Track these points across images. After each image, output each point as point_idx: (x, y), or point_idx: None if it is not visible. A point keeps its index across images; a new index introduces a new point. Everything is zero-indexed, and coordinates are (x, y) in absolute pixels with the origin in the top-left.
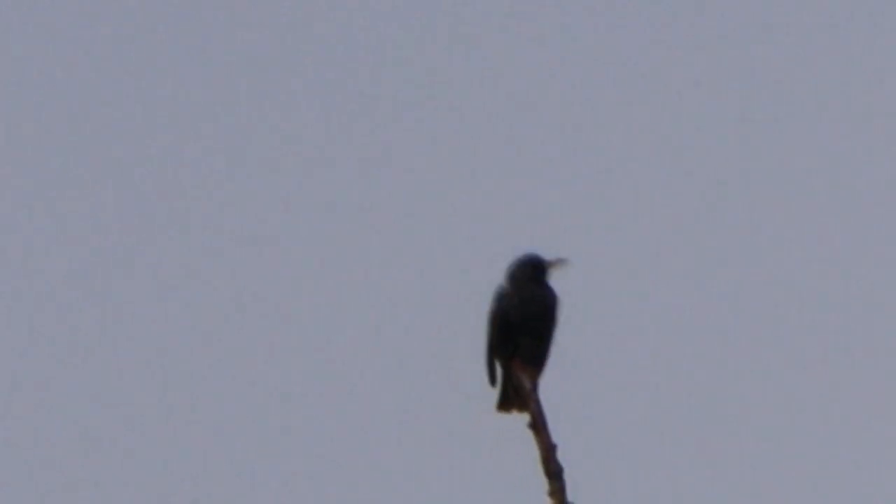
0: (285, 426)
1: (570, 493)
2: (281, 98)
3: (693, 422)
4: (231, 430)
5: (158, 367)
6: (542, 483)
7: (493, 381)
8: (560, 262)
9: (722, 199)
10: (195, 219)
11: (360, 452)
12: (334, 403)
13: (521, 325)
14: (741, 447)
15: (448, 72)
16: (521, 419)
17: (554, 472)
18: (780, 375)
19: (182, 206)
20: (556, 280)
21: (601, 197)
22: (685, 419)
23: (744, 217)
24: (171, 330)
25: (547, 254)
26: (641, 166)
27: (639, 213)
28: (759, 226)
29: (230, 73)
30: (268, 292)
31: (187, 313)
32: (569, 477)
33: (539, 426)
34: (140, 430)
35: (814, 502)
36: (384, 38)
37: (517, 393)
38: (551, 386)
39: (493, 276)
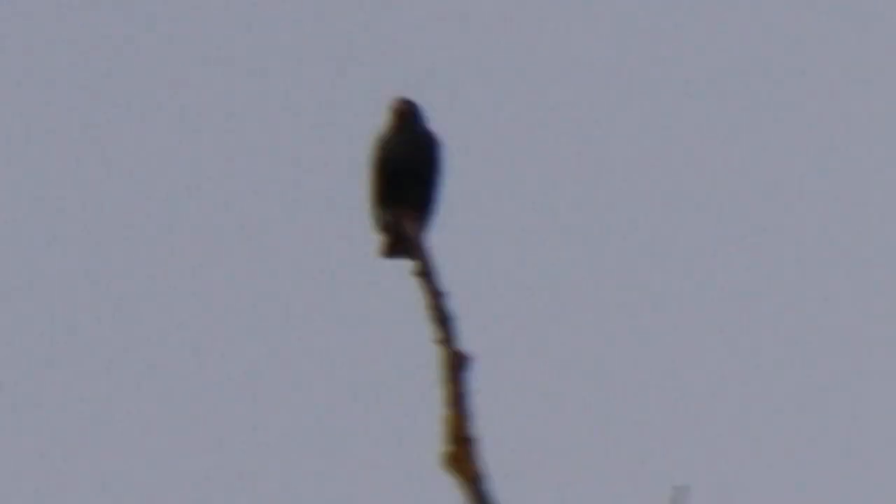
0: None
1: (463, 342)
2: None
3: (596, 275)
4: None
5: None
6: (432, 330)
7: (379, 228)
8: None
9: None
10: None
11: (253, 302)
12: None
13: (404, 169)
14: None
15: None
16: (408, 266)
17: (442, 318)
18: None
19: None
20: (438, 125)
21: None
22: (574, 266)
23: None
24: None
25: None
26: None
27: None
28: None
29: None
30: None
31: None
32: (460, 325)
33: (426, 272)
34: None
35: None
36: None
37: (403, 239)
38: (442, 233)
39: (374, 124)
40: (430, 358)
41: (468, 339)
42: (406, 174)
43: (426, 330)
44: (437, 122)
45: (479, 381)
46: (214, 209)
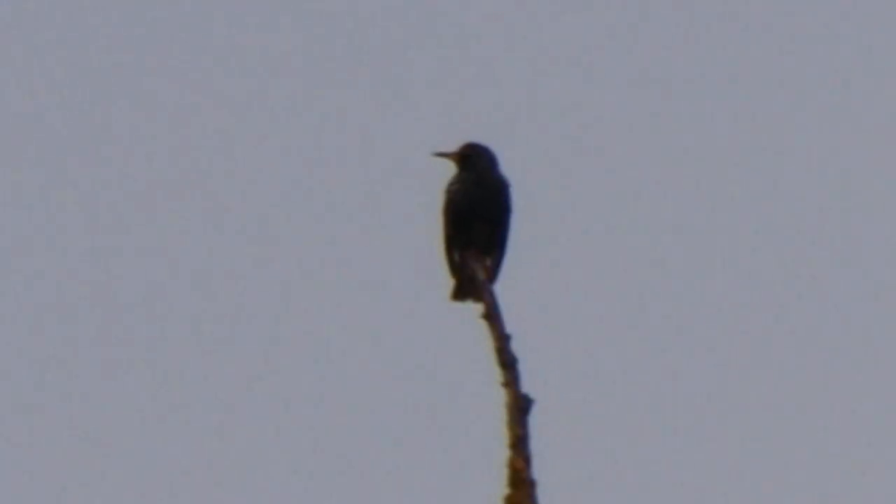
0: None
1: (525, 384)
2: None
3: (655, 317)
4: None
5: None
6: (496, 373)
7: (452, 272)
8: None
9: None
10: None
11: (324, 341)
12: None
13: (471, 211)
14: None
15: None
16: (475, 309)
17: (507, 362)
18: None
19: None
20: (511, 169)
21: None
22: (646, 310)
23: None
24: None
25: (496, 143)
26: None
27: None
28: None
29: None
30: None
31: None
32: (524, 368)
33: (493, 316)
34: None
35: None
36: None
37: (472, 283)
38: (507, 276)
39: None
40: (496, 400)
41: (531, 382)
42: (476, 216)
43: (492, 373)
44: (510, 165)
45: (538, 425)
46: (292, 246)
